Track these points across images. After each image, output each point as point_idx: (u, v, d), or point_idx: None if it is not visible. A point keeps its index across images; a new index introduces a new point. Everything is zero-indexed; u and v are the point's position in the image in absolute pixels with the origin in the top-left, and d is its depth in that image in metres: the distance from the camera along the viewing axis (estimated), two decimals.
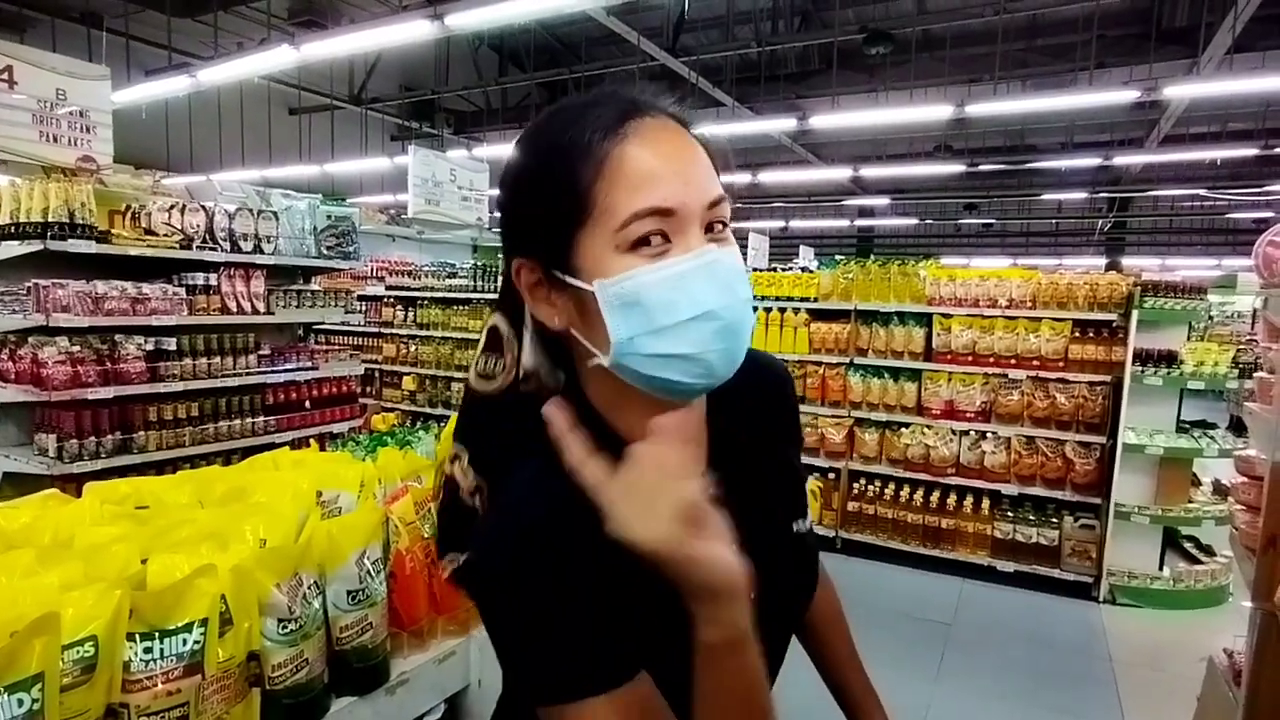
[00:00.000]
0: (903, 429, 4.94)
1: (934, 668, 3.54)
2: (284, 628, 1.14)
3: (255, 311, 3.42)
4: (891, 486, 4.95)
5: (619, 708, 0.64)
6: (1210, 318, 9.97)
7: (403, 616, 1.41)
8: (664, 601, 0.63)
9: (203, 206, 3.26)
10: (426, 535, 1.48)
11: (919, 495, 4.84)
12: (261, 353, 3.53)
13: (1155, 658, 3.65)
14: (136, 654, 0.98)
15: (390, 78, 12.47)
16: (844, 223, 18.05)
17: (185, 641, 1.02)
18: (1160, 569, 4.40)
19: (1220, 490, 4.44)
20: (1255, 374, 2.04)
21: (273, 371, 3.55)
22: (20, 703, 0.85)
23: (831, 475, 5.13)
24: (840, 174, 12.21)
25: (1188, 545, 4.61)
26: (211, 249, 3.27)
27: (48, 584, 0.97)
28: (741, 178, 12.85)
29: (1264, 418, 1.90)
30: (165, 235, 3.14)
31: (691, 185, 0.66)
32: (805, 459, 5.02)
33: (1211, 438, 4.25)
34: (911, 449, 4.85)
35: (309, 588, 1.19)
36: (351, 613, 1.25)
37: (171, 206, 3.18)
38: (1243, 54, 7.80)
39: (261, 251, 3.45)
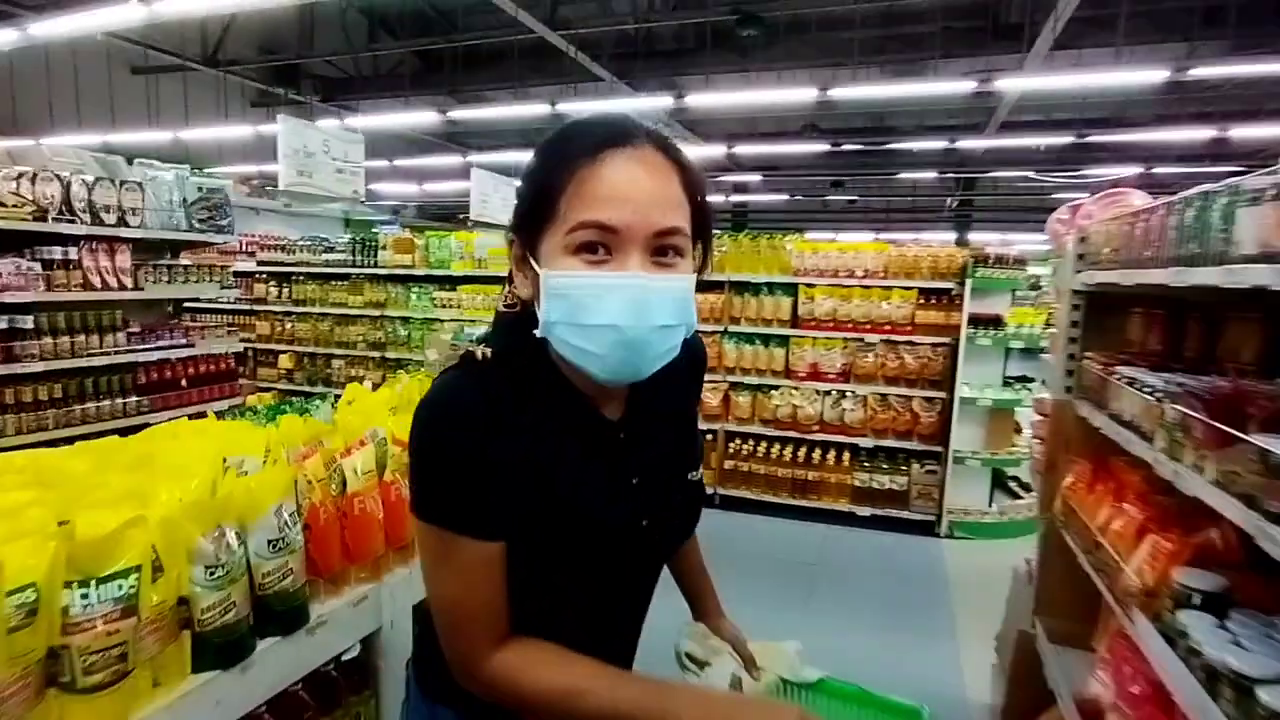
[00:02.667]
0: (773, 391, 5.35)
1: (803, 603, 3.95)
2: (211, 574, 1.24)
3: (121, 287, 3.27)
4: (763, 445, 5.36)
5: (476, 551, 0.86)
6: (1038, 288, 11.16)
7: (318, 564, 1.52)
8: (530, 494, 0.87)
9: (57, 176, 3.07)
10: (335, 492, 1.60)
11: (787, 451, 5.28)
12: (131, 330, 3.38)
13: (982, 580, 4.22)
14: (75, 600, 1.06)
15: (248, 39, 11.65)
16: (719, 198, 18.66)
17: (120, 587, 1.10)
18: (989, 505, 5.05)
19: None
20: (1047, 329, 2.46)
21: (144, 349, 3.42)
22: None
23: (709, 436, 5.48)
24: (715, 151, 12.63)
25: (1012, 484, 5.30)
26: (70, 221, 3.09)
27: None
28: None
29: (1051, 364, 2.31)
30: (15, 206, 2.95)
31: (639, 213, 0.80)
32: None
33: (1029, 389, 4.90)
34: (780, 409, 5.26)
35: (232, 537, 1.29)
36: (273, 560, 1.36)
37: (20, 175, 2.98)
38: (1063, 50, 8.72)
39: (126, 224, 3.29)
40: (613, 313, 0.81)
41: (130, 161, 4.59)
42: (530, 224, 0.86)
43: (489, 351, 0.91)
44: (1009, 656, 2.40)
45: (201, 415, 3.92)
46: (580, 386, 0.93)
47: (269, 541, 1.36)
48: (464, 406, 0.85)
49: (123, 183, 3.25)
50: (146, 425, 2.88)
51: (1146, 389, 1.53)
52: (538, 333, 0.86)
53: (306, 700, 1.52)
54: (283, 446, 1.64)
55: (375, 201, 18.85)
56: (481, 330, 2.74)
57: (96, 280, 3.19)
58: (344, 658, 1.64)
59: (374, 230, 10.87)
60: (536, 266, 0.85)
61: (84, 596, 1.07)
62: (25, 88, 9.55)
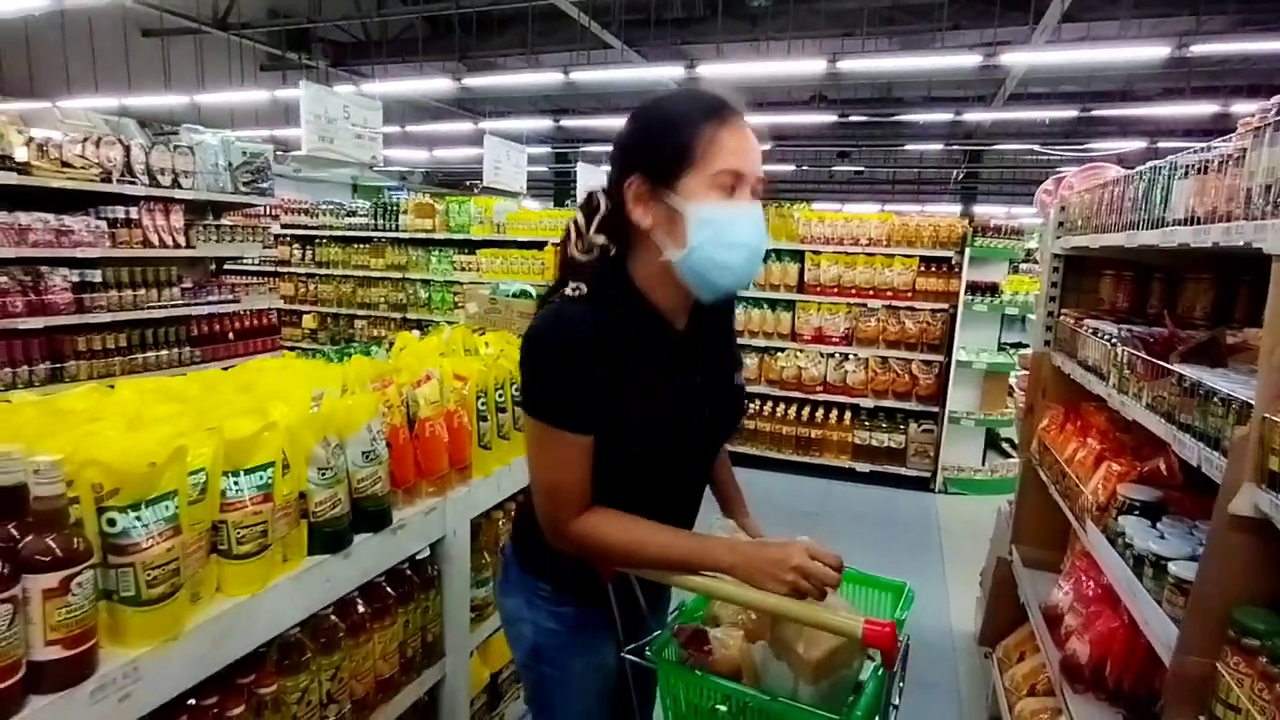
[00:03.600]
0: (779, 353, 5.61)
1: None
2: (323, 474, 1.52)
3: (175, 245, 3.51)
4: (769, 404, 5.63)
5: (573, 442, 1.12)
6: (1037, 260, 11.35)
7: (397, 477, 1.80)
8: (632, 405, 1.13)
9: (119, 139, 3.30)
10: (411, 416, 1.86)
11: (792, 411, 5.55)
12: (184, 286, 3.63)
13: (972, 530, 4.51)
14: (229, 485, 1.33)
15: (258, 2, 11.71)
16: None
17: (261, 478, 1.37)
18: (982, 463, 5.34)
19: None
20: (1033, 292, 2.70)
21: (196, 304, 3.67)
22: (166, 508, 1.20)
23: None
24: None
25: (1004, 444, 5.58)
26: (130, 182, 3.33)
27: (162, 434, 1.30)
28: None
29: (1033, 321, 2.56)
30: (82, 169, 3.18)
31: (754, 164, 1.08)
32: None
33: (1023, 354, 5.15)
34: (786, 371, 5.53)
35: (336, 447, 1.56)
36: (366, 468, 1.63)
37: (85, 139, 3.20)
38: (1072, 23, 8.79)
39: (180, 186, 3.52)
40: (748, 233, 1.08)
41: (143, 125, 4.84)
42: (664, 168, 1.07)
43: (583, 287, 1.15)
44: (989, 583, 2.69)
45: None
46: (660, 307, 1.18)
47: (363, 453, 1.63)
48: (573, 328, 1.09)
49: (175, 146, 3.48)
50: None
51: (1105, 336, 1.79)
52: (673, 258, 1.09)
53: (389, 592, 1.80)
54: (355, 381, 1.90)
55: (384, 168, 18.93)
56: (516, 286, 3.00)
57: (155, 238, 3.43)
58: (417, 558, 1.92)
59: (383, 195, 11.05)
60: (675, 201, 1.06)
61: (235, 483, 1.34)
62: (42, 52, 9.67)
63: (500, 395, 2.19)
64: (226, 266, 6.54)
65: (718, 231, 1.06)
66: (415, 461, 1.86)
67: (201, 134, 3.81)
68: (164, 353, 3.54)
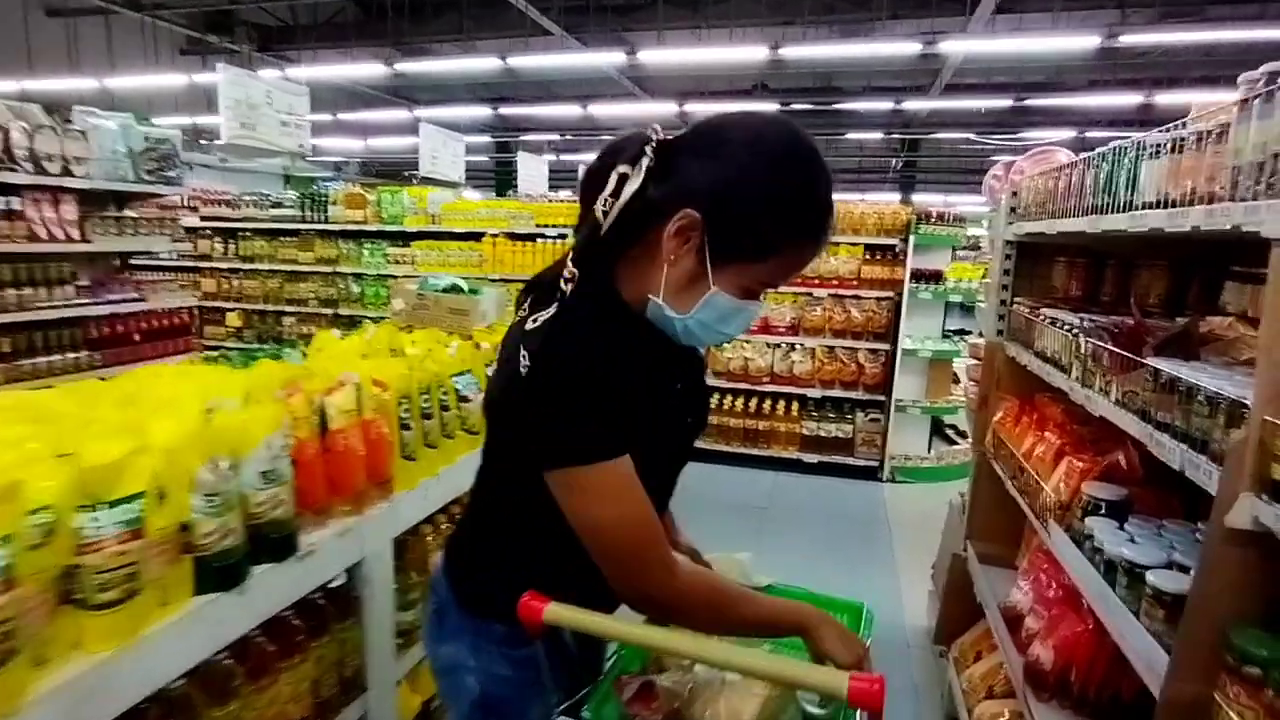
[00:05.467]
0: (724, 344, 5.51)
1: (753, 543, 4.15)
2: (210, 501, 1.32)
3: (69, 239, 3.19)
4: (716, 396, 5.53)
5: (626, 468, 0.94)
6: (978, 248, 11.57)
7: (305, 497, 1.60)
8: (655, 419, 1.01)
9: None
10: (320, 429, 1.67)
11: (739, 402, 5.47)
12: (80, 283, 3.30)
13: (921, 520, 4.50)
14: (86, 522, 1.12)
15: None
16: None
17: (128, 511, 1.17)
18: (928, 451, 5.35)
19: None
20: (982, 279, 2.64)
21: (94, 304, 3.35)
22: None
23: None
24: (666, 109, 12.59)
25: (949, 431, 5.61)
26: (11, 169, 2.99)
27: None
28: (573, 110, 12.92)
29: (984, 310, 2.49)
30: None
31: None
32: None
33: (966, 342, 5.16)
34: (733, 362, 5.44)
35: (229, 468, 1.36)
36: (265, 490, 1.44)
37: None
38: (1005, 14, 8.94)
39: (71, 174, 3.19)
40: (734, 328, 1.02)
41: (49, 111, 4.41)
42: (735, 246, 0.94)
43: (575, 275, 0.98)
44: (943, 580, 2.63)
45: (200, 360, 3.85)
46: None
47: (261, 473, 1.43)
48: (602, 347, 0.94)
49: (66, 130, 3.15)
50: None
51: (1065, 326, 1.71)
52: (663, 306, 0.97)
53: (298, 625, 1.61)
54: (263, 389, 1.69)
55: (317, 157, 18.23)
56: (445, 279, 2.79)
57: (42, 232, 3.10)
58: (330, 586, 1.73)
59: (316, 186, 10.58)
60: (709, 274, 0.94)
61: (94, 520, 1.13)
62: None
63: (426, 400, 2.00)
64: (140, 262, 6.13)
65: (719, 318, 0.99)
66: (327, 478, 1.66)
67: (99, 117, 3.47)
68: (56, 358, 3.21)
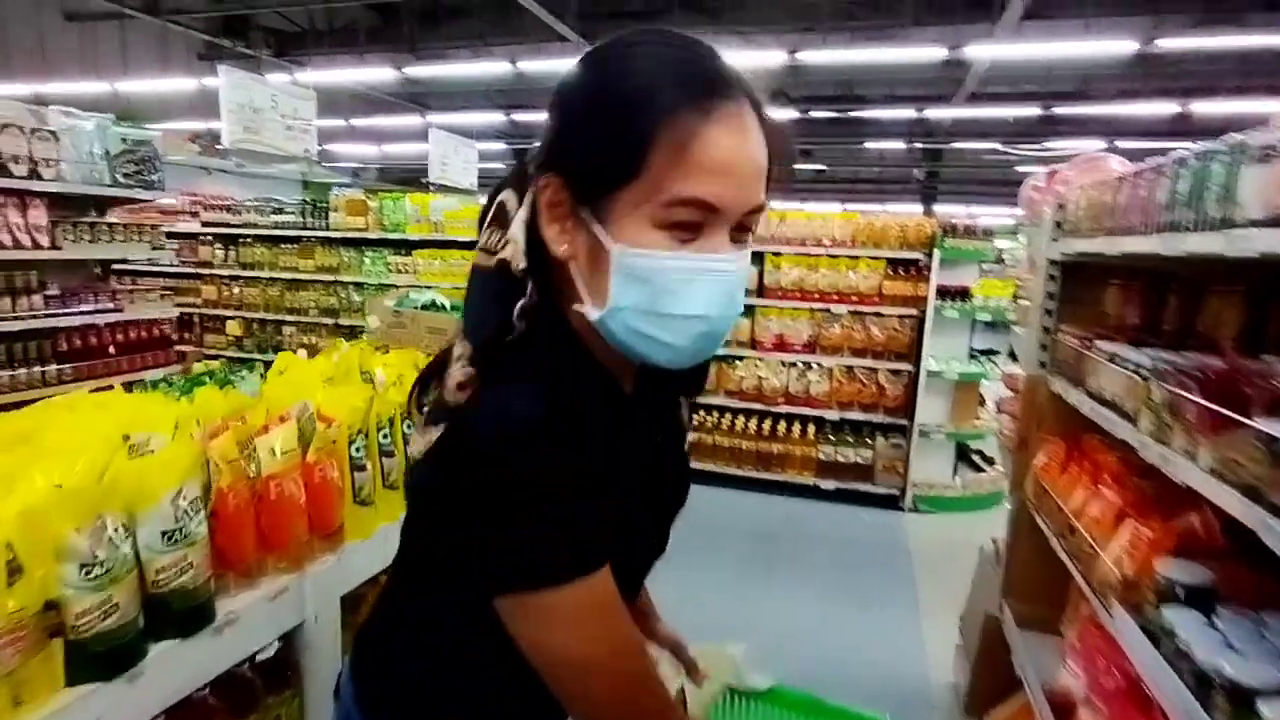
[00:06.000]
0: (737, 362, 5.25)
1: (765, 577, 3.89)
2: (87, 573, 1.09)
3: (37, 246, 3.00)
4: (728, 417, 5.26)
5: (595, 585, 0.68)
6: (1002, 261, 11.22)
7: (228, 555, 1.37)
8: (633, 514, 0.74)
9: None
10: (252, 473, 1.43)
11: (752, 424, 5.19)
12: (49, 293, 3.11)
13: (946, 554, 4.21)
14: None
15: None
16: None
17: None
18: (953, 479, 5.04)
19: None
20: (1018, 301, 2.37)
21: (64, 314, 3.16)
22: None
23: None
24: None
25: (975, 457, 5.30)
26: None
27: None
28: None
29: (1023, 338, 2.22)
30: None
31: (742, 189, 0.67)
32: None
33: (994, 363, 4.88)
34: (745, 381, 5.17)
35: (115, 530, 1.13)
36: (168, 554, 1.21)
37: None
38: (1032, 20, 8.63)
39: (39, 177, 3.00)
40: (702, 302, 0.68)
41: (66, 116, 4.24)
42: (598, 177, 0.68)
43: (521, 328, 0.72)
44: (975, 640, 2.34)
45: (136, 384, 3.68)
46: (602, 360, 0.76)
47: (163, 533, 1.20)
48: (546, 429, 0.67)
49: (34, 130, 2.96)
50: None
51: (1130, 365, 1.43)
52: (588, 312, 0.70)
53: (215, 705, 1.38)
54: (196, 422, 1.46)
55: (333, 163, 18.22)
56: (425, 295, 2.56)
57: (6, 238, 2.91)
58: (260, 656, 1.49)
59: (333, 192, 10.46)
60: (601, 233, 0.68)
61: None
62: None
63: (386, 436, 1.76)
64: (140, 269, 5.99)
65: (653, 296, 0.68)
66: (257, 532, 1.43)
67: (75, 118, 3.29)
68: (21, 372, 3.01)
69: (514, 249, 0.73)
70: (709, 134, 0.65)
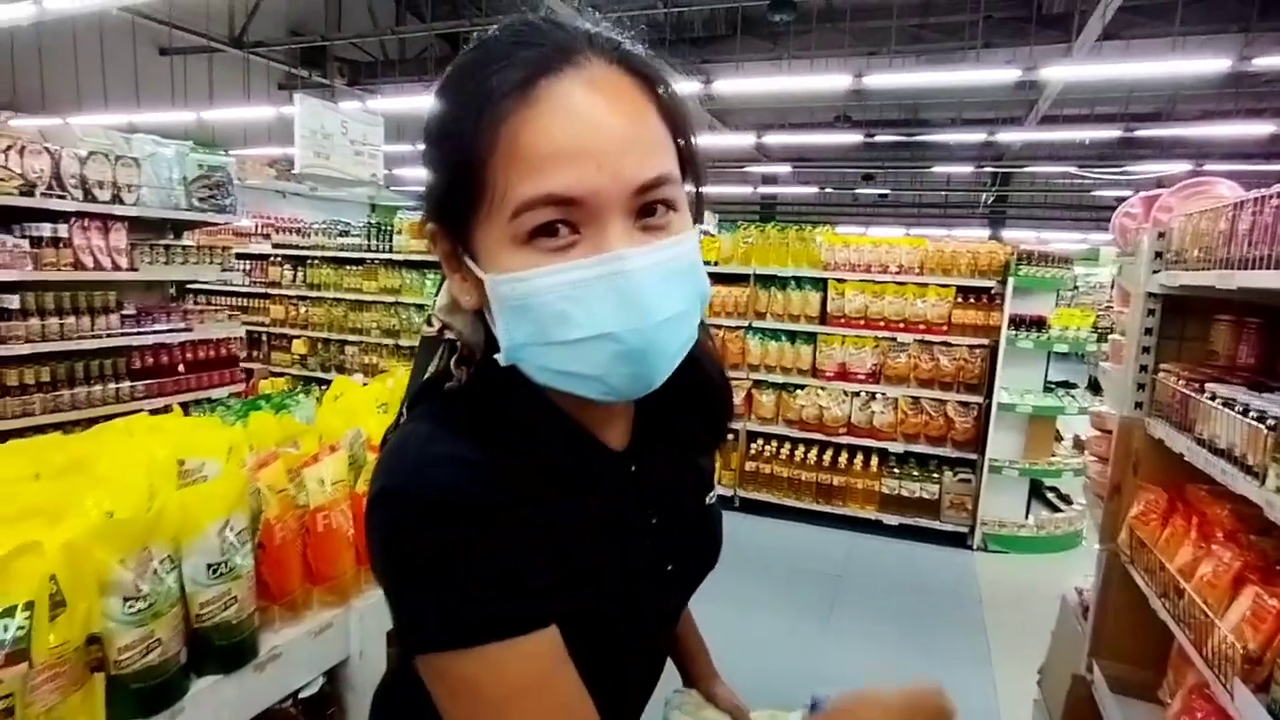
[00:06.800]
0: (798, 390, 5.10)
1: (825, 616, 3.72)
2: (130, 607, 1.05)
3: (116, 267, 3.11)
4: (787, 446, 5.11)
5: (548, 644, 0.59)
6: (1075, 288, 10.74)
7: (273, 589, 1.33)
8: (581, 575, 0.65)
9: (46, 148, 2.91)
10: (301, 503, 1.40)
11: (813, 454, 5.03)
12: (125, 313, 3.23)
13: (1019, 598, 3.96)
14: None
15: (275, 21, 11.58)
16: (747, 189, 18.32)
17: (6, 628, 0.91)
18: (1026, 517, 4.77)
19: (1079, 445, 4.83)
20: (1110, 336, 2.20)
21: (139, 333, 3.26)
22: None
23: (730, 436, 5.24)
24: (744, 140, 12.32)
25: (1050, 495, 5.01)
26: (60, 196, 2.94)
27: None
28: None
29: (1115, 376, 2.05)
30: (1, 180, 2.80)
31: (609, 168, 0.55)
32: None
33: (1073, 396, 4.60)
34: (806, 410, 5.02)
35: (160, 563, 1.10)
36: (212, 587, 1.17)
37: (8, 147, 2.82)
38: (1111, 40, 8.31)
39: (121, 201, 3.13)
40: (602, 317, 0.57)
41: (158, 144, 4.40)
42: (451, 206, 0.61)
43: (463, 377, 0.67)
44: (1059, 700, 2.15)
45: (203, 401, 3.73)
46: (572, 412, 0.69)
47: (209, 566, 1.17)
48: (459, 473, 0.59)
49: (118, 158, 3.09)
50: (140, 411, 2.72)
51: (1253, 413, 1.28)
52: (500, 359, 0.62)
53: None
54: (250, 448, 1.45)
55: (401, 188, 18.80)
56: None
57: (88, 260, 3.03)
58: (304, 693, 1.45)
59: (398, 215, 10.76)
60: (476, 268, 0.61)
61: None
62: (53, 66, 9.56)
63: None
64: (212, 289, 6.22)
65: (540, 326, 0.58)
66: (304, 564, 1.39)
67: (158, 145, 3.42)
68: (96, 388, 3.12)
69: (438, 311, 0.70)
70: (537, 117, 0.55)
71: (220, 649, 1.20)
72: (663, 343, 0.60)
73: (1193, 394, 1.56)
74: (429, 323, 0.70)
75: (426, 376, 0.69)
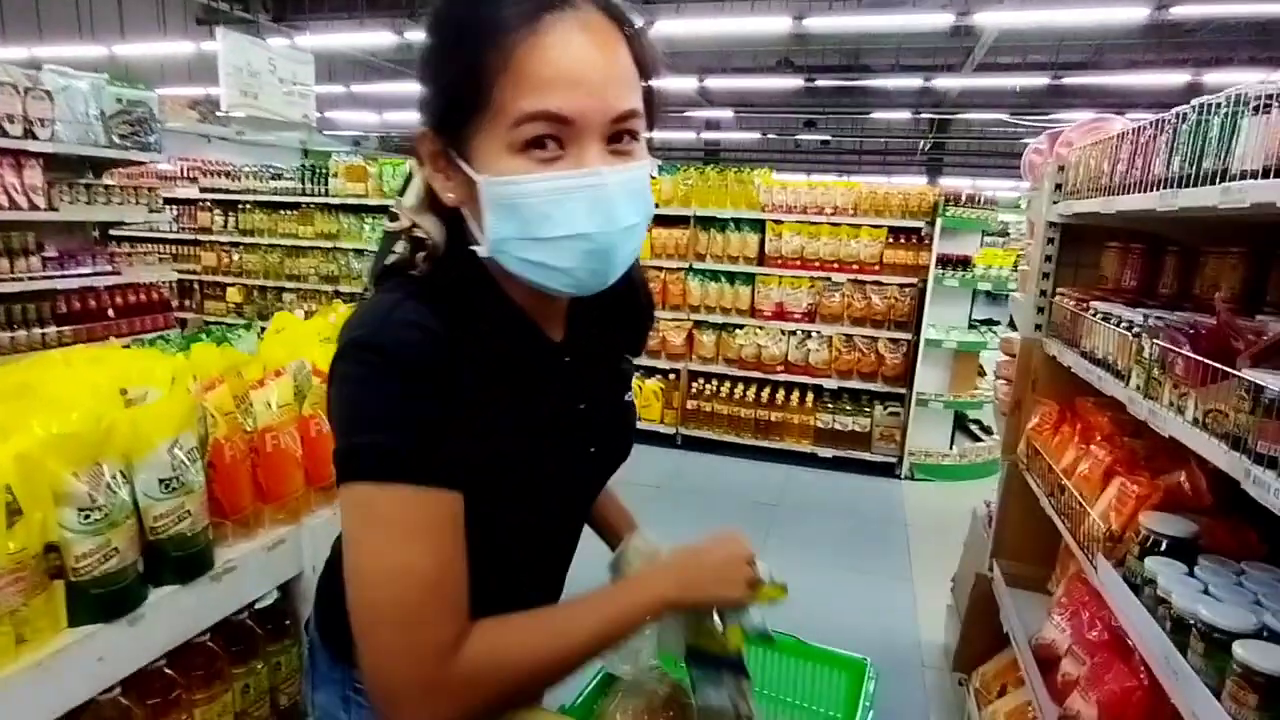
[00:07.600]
0: (737, 330, 5.25)
1: (762, 542, 3.93)
2: (86, 517, 1.10)
3: (32, 207, 2.99)
4: (727, 385, 5.28)
5: (446, 505, 0.69)
6: (1006, 234, 11.14)
7: (225, 505, 1.39)
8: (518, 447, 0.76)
9: None
10: (249, 426, 1.45)
11: (751, 392, 5.21)
12: (47, 254, 3.11)
13: (941, 521, 4.24)
14: None
15: None
16: (690, 135, 18.22)
17: None
18: (950, 448, 5.07)
19: None
20: (1019, 267, 2.36)
21: (62, 275, 3.16)
22: None
23: (672, 376, 5.38)
24: (686, 85, 12.22)
25: (973, 427, 5.32)
26: None
27: None
28: None
29: (1021, 302, 2.22)
30: None
31: (596, 96, 0.67)
32: (647, 361, 5.25)
33: (994, 333, 4.87)
34: (745, 349, 5.18)
35: (113, 477, 1.15)
36: (165, 501, 1.22)
37: None
38: None
39: (34, 137, 2.98)
40: (579, 219, 0.69)
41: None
42: (452, 114, 0.70)
43: (425, 266, 0.75)
44: (965, 599, 2.38)
45: (132, 344, 3.67)
46: (522, 304, 0.80)
47: (160, 481, 1.21)
48: (422, 332, 0.69)
49: (28, 89, 2.93)
50: None
51: (1124, 323, 1.43)
52: (480, 251, 0.73)
53: (217, 651, 1.40)
54: (193, 377, 1.47)
55: (334, 131, 18.06)
56: None
57: (2, 198, 2.90)
58: (260, 604, 1.52)
59: (332, 158, 10.38)
60: (468, 169, 0.70)
61: None
62: None
63: None
64: (138, 235, 5.97)
65: (525, 223, 0.69)
66: (255, 483, 1.45)
67: (69, 77, 3.25)
68: (21, 333, 3.02)
69: (406, 209, 0.77)
70: (541, 47, 0.65)
71: (176, 559, 1.25)
72: (619, 246, 0.73)
73: (1080, 312, 1.72)
74: (391, 217, 0.79)
75: (388, 263, 0.78)
